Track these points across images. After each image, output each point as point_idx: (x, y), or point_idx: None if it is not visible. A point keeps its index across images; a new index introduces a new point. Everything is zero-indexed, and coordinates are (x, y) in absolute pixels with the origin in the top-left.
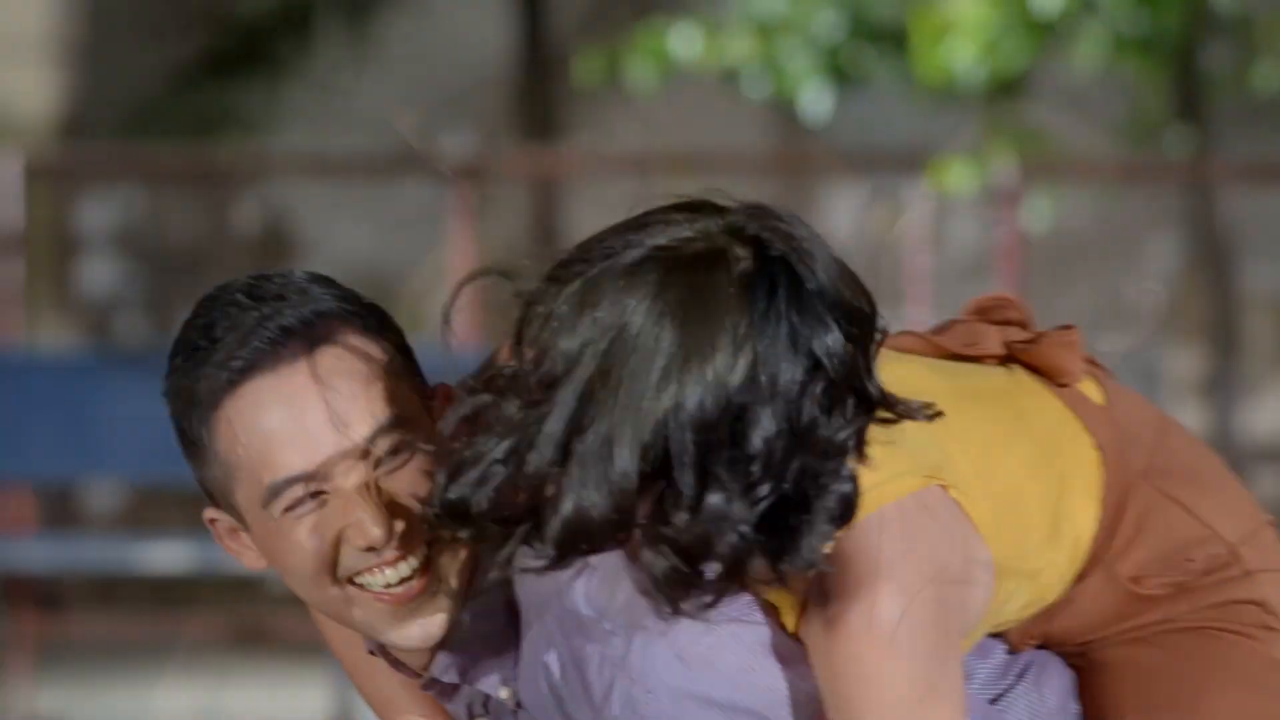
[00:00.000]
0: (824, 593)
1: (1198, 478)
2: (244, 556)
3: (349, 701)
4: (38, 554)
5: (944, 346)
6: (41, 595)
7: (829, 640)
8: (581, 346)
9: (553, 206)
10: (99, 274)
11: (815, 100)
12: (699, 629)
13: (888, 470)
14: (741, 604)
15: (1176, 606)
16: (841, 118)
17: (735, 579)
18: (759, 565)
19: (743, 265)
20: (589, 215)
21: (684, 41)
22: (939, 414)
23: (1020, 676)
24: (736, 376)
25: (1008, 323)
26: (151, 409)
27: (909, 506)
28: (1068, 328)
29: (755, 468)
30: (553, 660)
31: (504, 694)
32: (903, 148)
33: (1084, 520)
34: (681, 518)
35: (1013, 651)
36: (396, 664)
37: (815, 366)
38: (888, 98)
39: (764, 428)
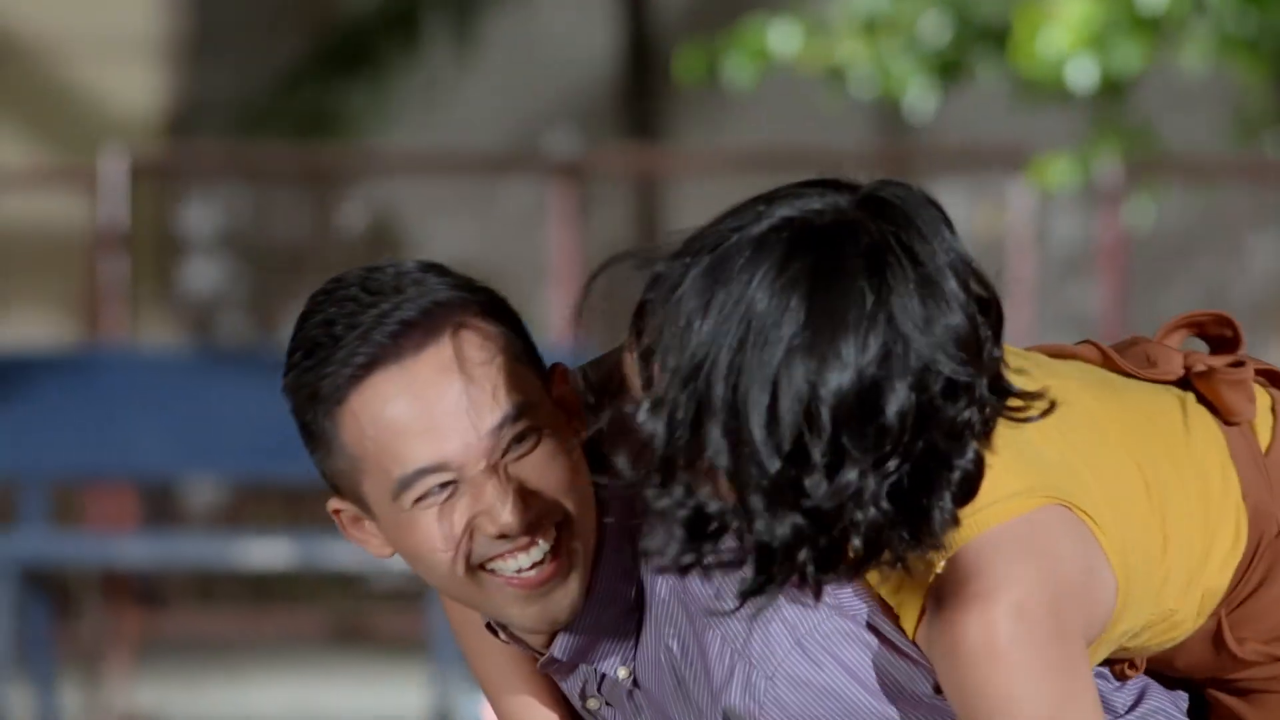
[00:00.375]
0: (942, 606)
1: None
2: (369, 545)
3: (448, 699)
4: (138, 551)
5: (1119, 364)
6: (141, 592)
7: (950, 655)
8: (714, 325)
9: (656, 205)
10: (203, 273)
11: (920, 100)
12: (819, 619)
13: (1013, 486)
14: (862, 603)
15: (1274, 669)
16: (945, 116)
17: (868, 560)
18: (888, 545)
19: (871, 239)
20: (692, 214)
21: (783, 39)
22: (1051, 408)
23: (1132, 708)
24: (867, 353)
25: (1221, 340)
26: (252, 407)
27: (1031, 523)
28: (1239, 364)
29: (886, 442)
30: (675, 643)
31: (622, 674)
32: (1006, 146)
33: (1223, 573)
34: (821, 492)
35: (1118, 678)
36: (516, 639)
37: (942, 344)
38: (992, 96)
39: (894, 402)
